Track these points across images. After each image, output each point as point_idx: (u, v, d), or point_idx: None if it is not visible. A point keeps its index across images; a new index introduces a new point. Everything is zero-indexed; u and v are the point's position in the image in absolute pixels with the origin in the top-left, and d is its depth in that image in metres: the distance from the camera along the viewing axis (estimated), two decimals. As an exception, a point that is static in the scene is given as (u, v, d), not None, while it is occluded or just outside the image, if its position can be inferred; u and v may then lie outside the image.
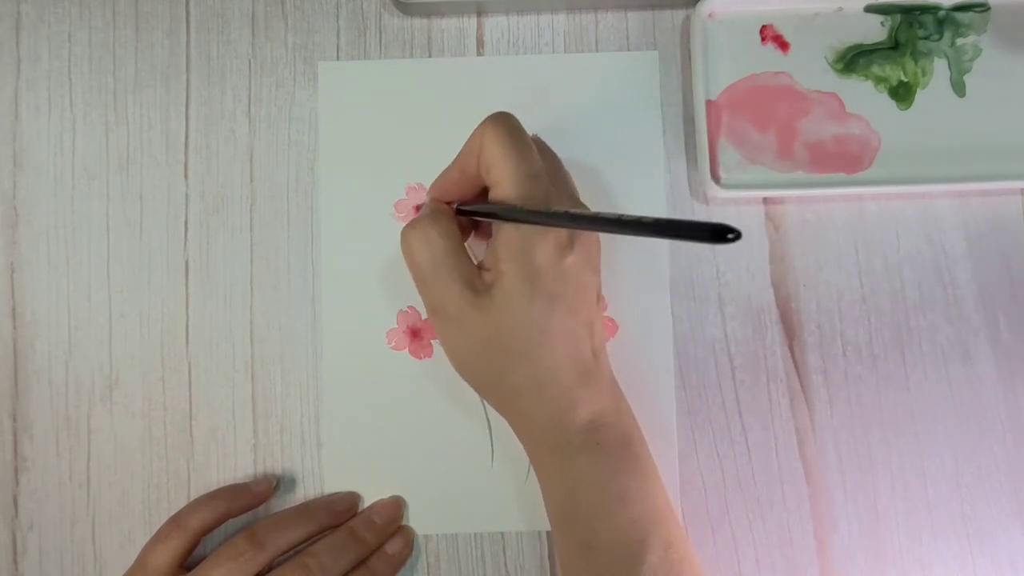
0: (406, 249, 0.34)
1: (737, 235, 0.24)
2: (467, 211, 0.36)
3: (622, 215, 0.28)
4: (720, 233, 0.24)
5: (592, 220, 0.30)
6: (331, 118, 0.41)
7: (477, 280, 0.33)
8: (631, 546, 0.33)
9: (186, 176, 0.41)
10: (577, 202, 0.36)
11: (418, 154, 0.41)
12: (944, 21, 0.40)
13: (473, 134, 0.34)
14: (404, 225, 0.35)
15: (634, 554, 0.33)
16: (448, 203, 0.36)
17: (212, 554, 0.36)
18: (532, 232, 0.32)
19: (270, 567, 0.36)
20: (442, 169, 0.41)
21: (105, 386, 0.40)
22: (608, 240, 0.40)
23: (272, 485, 0.39)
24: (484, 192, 0.35)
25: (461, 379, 0.38)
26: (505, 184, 0.33)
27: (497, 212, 0.33)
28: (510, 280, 0.32)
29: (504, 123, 0.33)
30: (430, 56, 0.41)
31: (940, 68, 0.40)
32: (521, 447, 0.39)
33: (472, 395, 0.40)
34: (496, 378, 0.34)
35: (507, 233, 0.33)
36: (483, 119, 0.34)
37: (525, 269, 0.32)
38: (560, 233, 0.33)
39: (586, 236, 0.34)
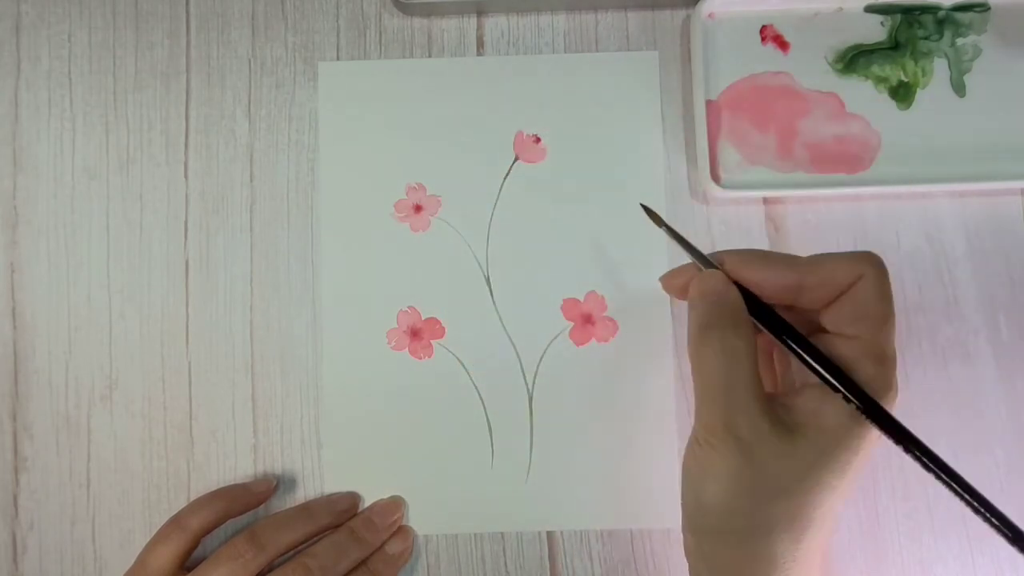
0: (696, 356, 0.30)
1: None
2: (785, 333, 0.30)
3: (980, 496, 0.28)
4: None
5: (957, 485, 0.28)
6: (331, 118, 0.41)
7: (776, 414, 0.29)
8: None
9: (186, 176, 0.41)
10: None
11: (418, 154, 0.41)
12: (944, 21, 0.40)
13: (844, 261, 0.29)
14: (695, 326, 0.30)
15: None
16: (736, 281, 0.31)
17: (212, 554, 0.36)
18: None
19: (270, 567, 0.36)
20: (441, 169, 0.41)
21: (105, 386, 0.40)
22: (607, 240, 0.40)
23: (272, 485, 0.39)
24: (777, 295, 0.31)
25: (461, 379, 0.38)
26: (865, 354, 0.29)
27: (851, 395, 0.28)
28: (831, 443, 0.29)
29: (887, 277, 0.30)
30: (430, 56, 0.41)
31: (940, 68, 0.40)
32: (520, 447, 0.39)
33: (472, 395, 0.40)
34: (756, 533, 0.29)
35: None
36: (857, 253, 0.30)
37: (854, 441, 0.29)
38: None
39: None
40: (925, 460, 0.28)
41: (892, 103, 0.40)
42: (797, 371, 0.32)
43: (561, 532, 0.39)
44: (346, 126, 0.41)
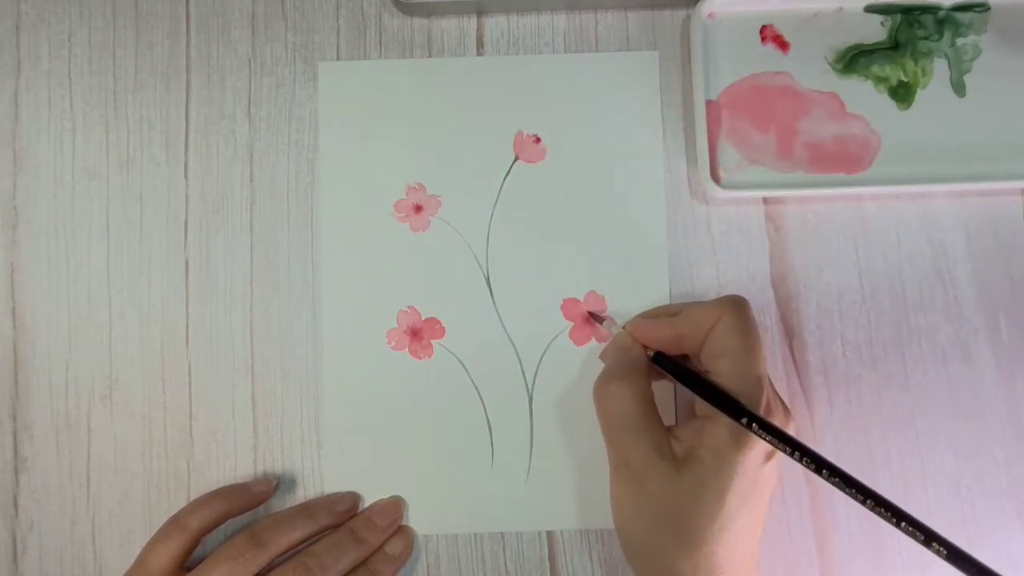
0: (599, 402, 0.35)
1: None
2: (676, 374, 0.35)
3: (898, 508, 0.30)
4: None
5: (870, 498, 0.31)
6: (331, 118, 0.41)
7: (666, 446, 0.33)
8: None
9: (186, 176, 0.41)
10: (775, 393, 0.36)
11: (418, 154, 0.41)
12: (944, 21, 0.40)
13: (707, 308, 0.34)
14: (600, 376, 0.35)
15: None
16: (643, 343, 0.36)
17: (212, 554, 0.36)
18: (744, 434, 0.32)
19: (270, 567, 0.36)
20: (441, 169, 0.41)
21: (105, 386, 0.40)
22: (607, 240, 0.40)
23: (272, 485, 0.39)
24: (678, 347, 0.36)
25: (461, 379, 0.38)
26: (732, 381, 0.33)
27: (726, 407, 0.33)
28: (707, 470, 0.32)
29: (746, 314, 0.34)
30: (430, 56, 0.41)
31: (940, 68, 0.40)
32: (520, 447, 0.39)
33: (472, 395, 0.40)
34: (657, 553, 0.34)
35: (717, 425, 0.33)
36: (720, 298, 0.34)
37: (727, 466, 0.32)
38: (759, 452, 0.33)
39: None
40: (816, 467, 0.31)
41: (892, 103, 0.40)
42: (685, 407, 0.38)
43: (561, 532, 0.39)
44: (346, 126, 0.41)
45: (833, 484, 0.31)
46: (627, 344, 0.36)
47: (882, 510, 0.30)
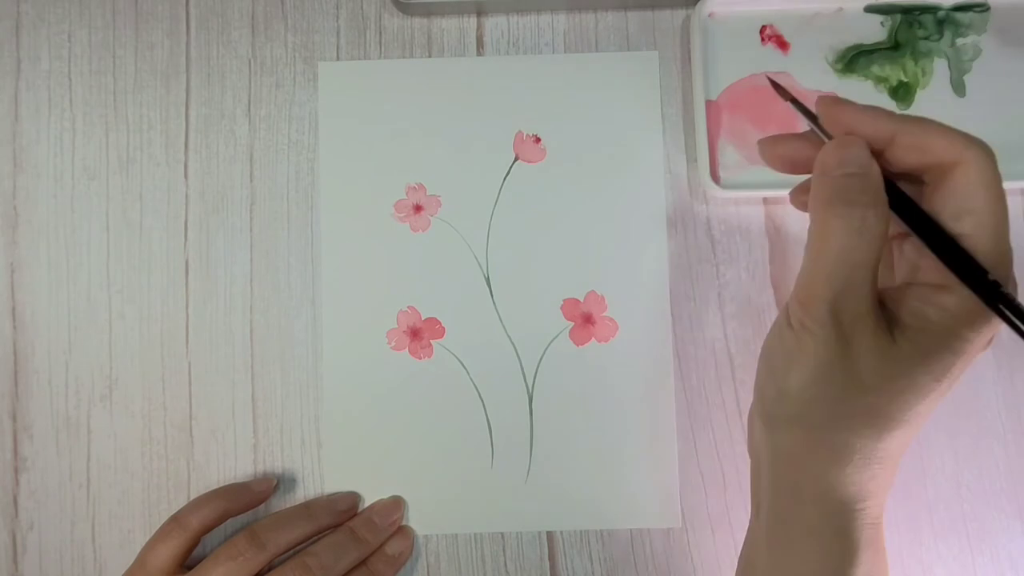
0: (826, 226, 0.27)
1: None
2: (924, 232, 0.28)
3: None
4: None
5: None
6: (331, 118, 0.41)
7: (879, 307, 0.28)
8: None
9: (186, 176, 0.41)
10: None
11: (418, 154, 0.41)
12: (944, 21, 0.40)
13: (949, 137, 0.27)
14: (828, 195, 0.28)
15: None
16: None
17: (212, 553, 0.36)
18: (983, 313, 0.27)
19: (270, 566, 0.36)
20: (441, 169, 0.40)
21: (105, 386, 0.40)
22: (607, 240, 0.40)
23: (272, 485, 0.39)
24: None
25: (461, 379, 0.38)
26: (984, 245, 0.27)
27: (988, 296, 0.26)
28: (934, 346, 0.27)
29: (997, 169, 0.27)
30: (430, 56, 0.41)
31: (940, 68, 0.40)
32: (520, 447, 0.39)
33: (472, 395, 0.40)
34: (831, 424, 0.28)
35: (956, 296, 0.27)
36: (965, 134, 0.27)
37: (957, 345, 0.27)
38: (992, 333, 0.28)
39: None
40: None
41: (892, 103, 0.40)
42: (900, 266, 0.30)
43: (561, 532, 0.39)
44: (346, 126, 0.41)
45: None
46: (864, 159, 0.28)
47: None
